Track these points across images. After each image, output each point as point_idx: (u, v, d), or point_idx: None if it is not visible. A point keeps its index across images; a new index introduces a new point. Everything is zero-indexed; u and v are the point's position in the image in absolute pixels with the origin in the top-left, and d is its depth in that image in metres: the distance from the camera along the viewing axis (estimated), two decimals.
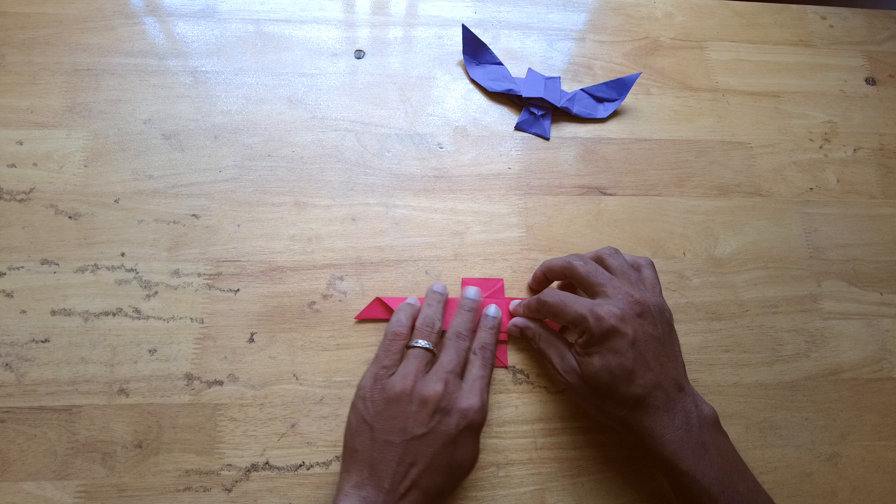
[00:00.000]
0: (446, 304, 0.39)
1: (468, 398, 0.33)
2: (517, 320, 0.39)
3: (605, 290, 0.34)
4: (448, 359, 0.34)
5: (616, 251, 0.37)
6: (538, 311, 0.37)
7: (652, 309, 0.34)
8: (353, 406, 0.33)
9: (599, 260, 0.37)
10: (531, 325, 0.38)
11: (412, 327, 0.37)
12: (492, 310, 0.38)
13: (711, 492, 0.31)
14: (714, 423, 0.33)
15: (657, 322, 0.34)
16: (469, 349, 0.36)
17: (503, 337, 0.39)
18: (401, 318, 0.36)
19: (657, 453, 0.32)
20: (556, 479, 0.37)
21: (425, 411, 0.32)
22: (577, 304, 0.34)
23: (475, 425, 0.32)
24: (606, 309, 0.33)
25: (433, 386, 0.32)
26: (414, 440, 0.31)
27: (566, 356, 0.35)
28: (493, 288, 0.40)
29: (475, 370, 0.35)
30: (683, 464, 0.31)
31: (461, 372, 0.34)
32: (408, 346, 0.35)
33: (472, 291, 0.39)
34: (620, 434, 0.38)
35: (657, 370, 0.32)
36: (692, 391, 0.34)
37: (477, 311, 0.38)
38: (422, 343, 0.35)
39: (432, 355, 0.35)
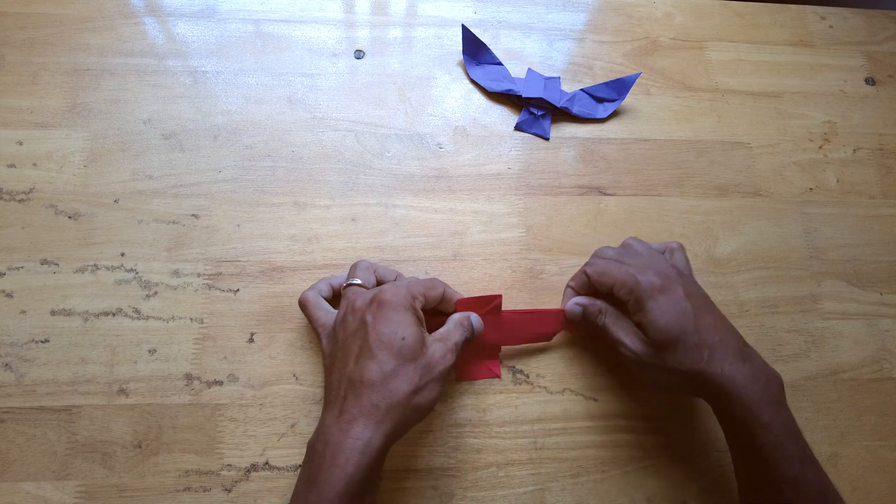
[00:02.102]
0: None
1: (378, 288, 0.33)
2: (578, 299, 0.37)
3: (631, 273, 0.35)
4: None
5: (637, 239, 0.38)
6: (584, 286, 0.37)
7: (686, 274, 0.35)
8: None
9: (626, 246, 0.37)
10: (597, 301, 0.37)
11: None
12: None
13: (789, 449, 0.30)
14: (782, 387, 0.32)
15: (698, 286, 0.35)
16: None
17: (496, 352, 0.39)
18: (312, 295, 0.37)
19: (736, 403, 0.31)
20: (556, 479, 0.37)
21: (349, 316, 0.33)
22: (619, 269, 0.34)
23: (386, 302, 0.32)
24: (650, 271, 0.34)
25: (355, 296, 0.34)
26: (341, 344, 0.32)
27: (633, 328, 0.35)
28: (490, 305, 0.37)
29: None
30: (765, 415, 0.30)
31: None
32: (344, 288, 0.36)
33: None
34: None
35: (718, 317, 0.33)
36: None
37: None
38: (354, 282, 0.35)
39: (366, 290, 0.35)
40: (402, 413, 0.30)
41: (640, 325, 0.34)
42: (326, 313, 0.35)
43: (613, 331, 0.35)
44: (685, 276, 0.35)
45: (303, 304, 0.36)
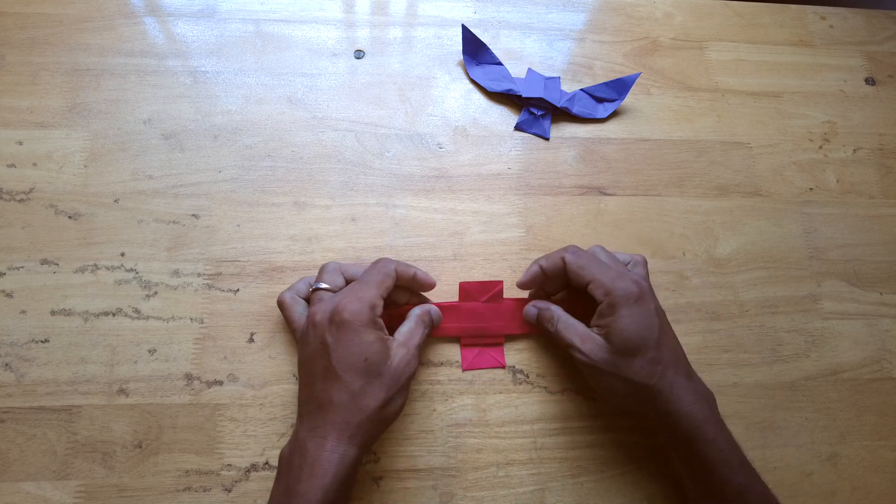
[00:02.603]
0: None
1: (338, 301, 0.32)
2: (535, 303, 0.38)
3: (607, 274, 0.35)
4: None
5: (603, 248, 0.37)
6: (555, 273, 0.36)
7: (652, 291, 0.35)
8: None
9: (593, 254, 0.37)
10: (551, 307, 0.37)
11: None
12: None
13: (732, 462, 0.32)
14: (716, 404, 0.34)
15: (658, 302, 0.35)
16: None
17: (500, 340, 0.39)
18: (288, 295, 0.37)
19: (683, 420, 0.32)
20: (556, 479, 0.37)
21: (310, 331, 0.33)
22: (600, 269, 0.34)
23: (345, 323, 0.31)
24: (628, 279, 0.34)
25: (317, 307, 0.33)
26: (305, 360, 0.33)
27: (589, 334, 0.34)
28: (491, 291, 0.39)
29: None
30: (709, 433, 0.32)
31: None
32: (311, 293, 0.36)
33: None
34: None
35: (674, 337, 0.35)
36: None
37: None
38: (320, 286, 0.35)
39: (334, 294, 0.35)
40: (373, 425, 0.31)
41: (605, 328, 0.34)
42: (301, 316, 0.36)
43: (566, 336, 0.35)
44: (651, 290, 0.35)
45: (280, 305, 0.37)
